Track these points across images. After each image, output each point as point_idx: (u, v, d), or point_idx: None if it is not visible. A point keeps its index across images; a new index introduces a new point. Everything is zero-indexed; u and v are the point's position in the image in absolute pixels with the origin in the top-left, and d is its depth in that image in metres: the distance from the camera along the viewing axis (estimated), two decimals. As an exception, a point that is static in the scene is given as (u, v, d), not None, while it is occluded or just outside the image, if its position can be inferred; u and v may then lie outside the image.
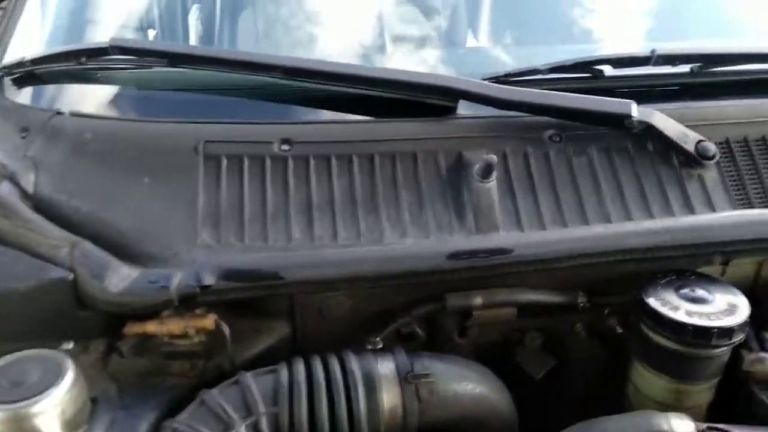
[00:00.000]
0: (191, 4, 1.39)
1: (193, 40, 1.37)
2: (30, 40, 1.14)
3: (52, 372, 0.63)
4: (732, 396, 0.82)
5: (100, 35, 1.15)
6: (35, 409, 0.60)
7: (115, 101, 0.97)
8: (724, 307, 0.77)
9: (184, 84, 0.97)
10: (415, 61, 1.27)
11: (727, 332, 0.75)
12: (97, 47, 0.96)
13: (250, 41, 1.39)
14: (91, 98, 0.98)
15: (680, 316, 0.76)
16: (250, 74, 0.92)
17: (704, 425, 0.65)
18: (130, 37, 1.24)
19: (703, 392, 0.80)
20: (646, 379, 0.80)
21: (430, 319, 0.83)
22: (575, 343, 0.86)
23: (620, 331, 0.84)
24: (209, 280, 0.72)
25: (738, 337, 0.76)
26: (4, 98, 1.00)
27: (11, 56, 1.07)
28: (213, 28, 1.49)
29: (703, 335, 0.75)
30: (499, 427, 0.77)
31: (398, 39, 1.32)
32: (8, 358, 0.65)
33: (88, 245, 0.76)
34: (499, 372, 0.80)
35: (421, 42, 1.35)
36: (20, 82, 1.03)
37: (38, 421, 0.61)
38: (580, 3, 1.44)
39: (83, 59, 0.96)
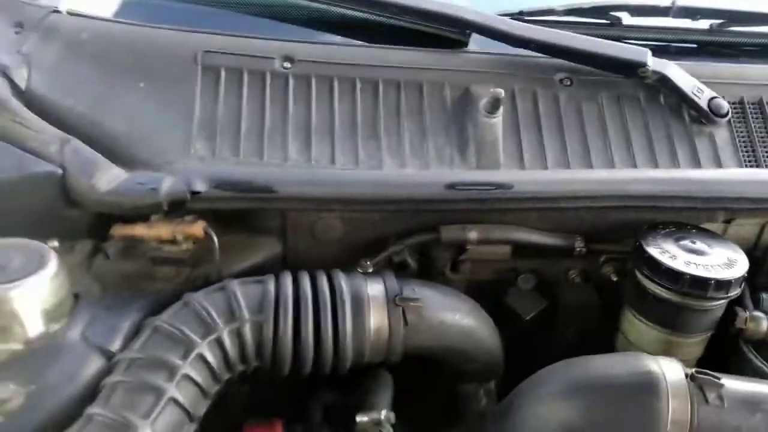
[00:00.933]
0: None
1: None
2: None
3: (34, 261, 0.62)
4: (722, 353, 0.81)
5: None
6: (13, 293, 0.59)
7: (114, 3, 0.93)
8: (723, 261, 0.76)
9: (188, -8, 0.93)
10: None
11: (724, 285, 0.74)
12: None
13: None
14: None
15: (678, 265, 0.74)
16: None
17: (692, 369, 0.64)
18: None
19: (694, 345, 0.79)
20: (638, 328, 0.79)
21: (423, 251, 0.81)
22: (568, 289, 0.85)
23: (615, 279, 0.82)
24: (200, 186, 0.70)
25: (734, 292, 0.75)
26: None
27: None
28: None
29: (699, 286, 0.73)
30: (485, 361, 0.76)
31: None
32: (-8, 243, 0.63)
33: (78, 143, 0.73)
34: (489, 310, 0.78)
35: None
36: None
37: (16, 306, 0.59)
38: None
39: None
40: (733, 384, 0.63)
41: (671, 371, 0.63)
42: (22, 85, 0.80)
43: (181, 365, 0.59)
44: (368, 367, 0.72)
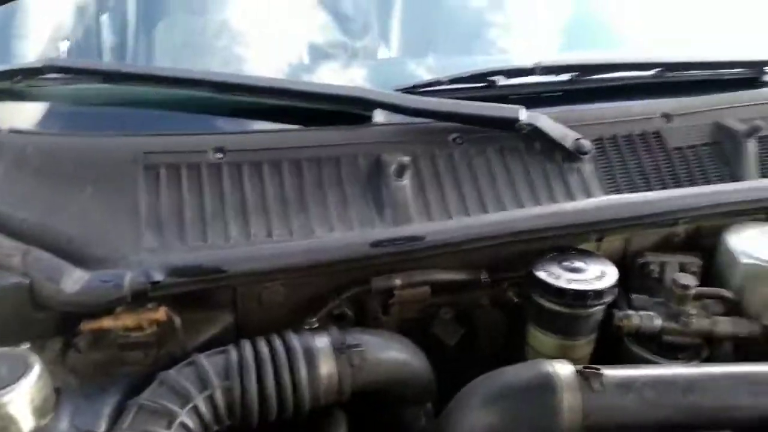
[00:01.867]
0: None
1: (106, 51, 1.40)
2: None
3: (19, 366, 0.70)
4: (610, 348, 0.99)
5: (18, 49, 1.20)
6: (7, 398, 0.67)
7: (53, 116, 1.02)
8: (596, 275, 0.94)
9: (120, 99, 1.04)
10: (329, 71, 1.39)
11: (599, 294, 0.91)
12: (31, 67, 1.01)
13: (168, 52, 1.44)
14: (30, 114, 1.02)
15: (562, 283, 0.91)
16: (180, 90, 1.00)
17: (580, 366, 0.80)
18: (43, 49, 1.27)
19: (584, 346, 0.96)
20: (539, 339, 0.96)
21: (357, 301, 0.94)
22: (481, 314, 1.01)
23: (517, 300, 0.99)
24: (158, 276, 0.81)
25: (608, 298, 0.93)
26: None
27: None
28: (126, 38, 1.52)
29: (580, 297, 0.91)
30: (420, 386, 0.90)
31: (314, 49, 1.44)
32: (-25, 357, 0.71)
33: (38, 252, 0.82)
34: (420, 342, 0.92)
35: (336, 53, 1.47)
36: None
37: (10, 409, 0.68)
38: (485, 16, 1.61)
39: (19, 78, 1.00)
40: (610, 372, 0.79)
41: (563, 370, 0.79)
42: None
43: (167, 434, 0.70)
44: (324, 407, 0.84)
